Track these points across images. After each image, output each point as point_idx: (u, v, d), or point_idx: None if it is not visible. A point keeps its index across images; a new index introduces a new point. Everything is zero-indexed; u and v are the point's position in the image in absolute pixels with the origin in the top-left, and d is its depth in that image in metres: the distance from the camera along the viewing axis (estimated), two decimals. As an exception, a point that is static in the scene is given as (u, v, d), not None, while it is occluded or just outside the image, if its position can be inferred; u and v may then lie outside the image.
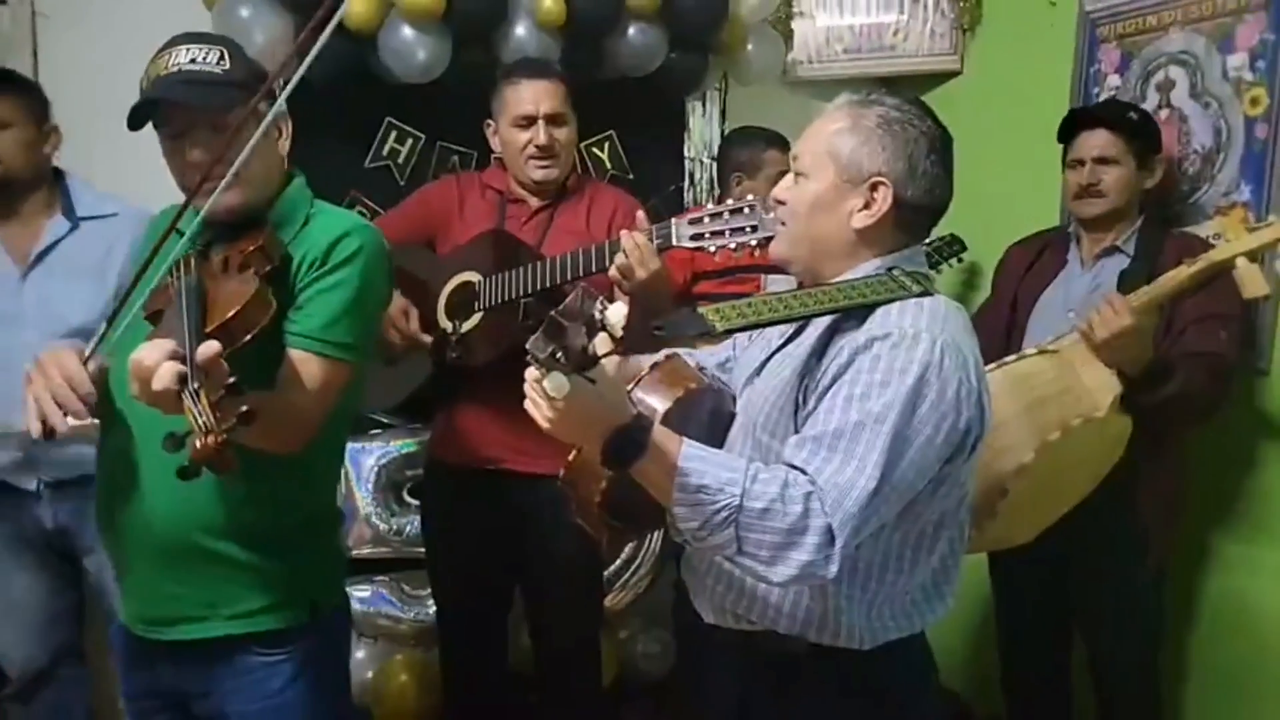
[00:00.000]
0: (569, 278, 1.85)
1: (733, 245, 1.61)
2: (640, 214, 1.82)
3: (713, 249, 1.64)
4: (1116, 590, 2.04)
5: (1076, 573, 2.07)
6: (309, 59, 1.19)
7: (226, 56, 1.36)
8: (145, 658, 1.43)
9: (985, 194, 2.58)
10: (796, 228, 1.24)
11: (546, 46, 2.32)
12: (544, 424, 1.05)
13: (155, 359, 1.10)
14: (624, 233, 1.76)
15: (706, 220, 1.64)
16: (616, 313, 0.95)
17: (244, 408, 1.07)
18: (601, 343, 0.95)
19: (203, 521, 1.34)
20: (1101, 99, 2.40)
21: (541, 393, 1.01)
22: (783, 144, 2.46)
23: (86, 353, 1.27)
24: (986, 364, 1.71)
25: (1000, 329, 2.13)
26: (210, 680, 1.40)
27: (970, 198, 2.36)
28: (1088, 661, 2.14)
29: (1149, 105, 2.27)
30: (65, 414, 1.21)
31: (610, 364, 1.03)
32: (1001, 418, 1.63)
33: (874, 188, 1.19)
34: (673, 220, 1.71)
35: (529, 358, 0.95)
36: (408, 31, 2.26)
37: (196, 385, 1.07)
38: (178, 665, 1.40)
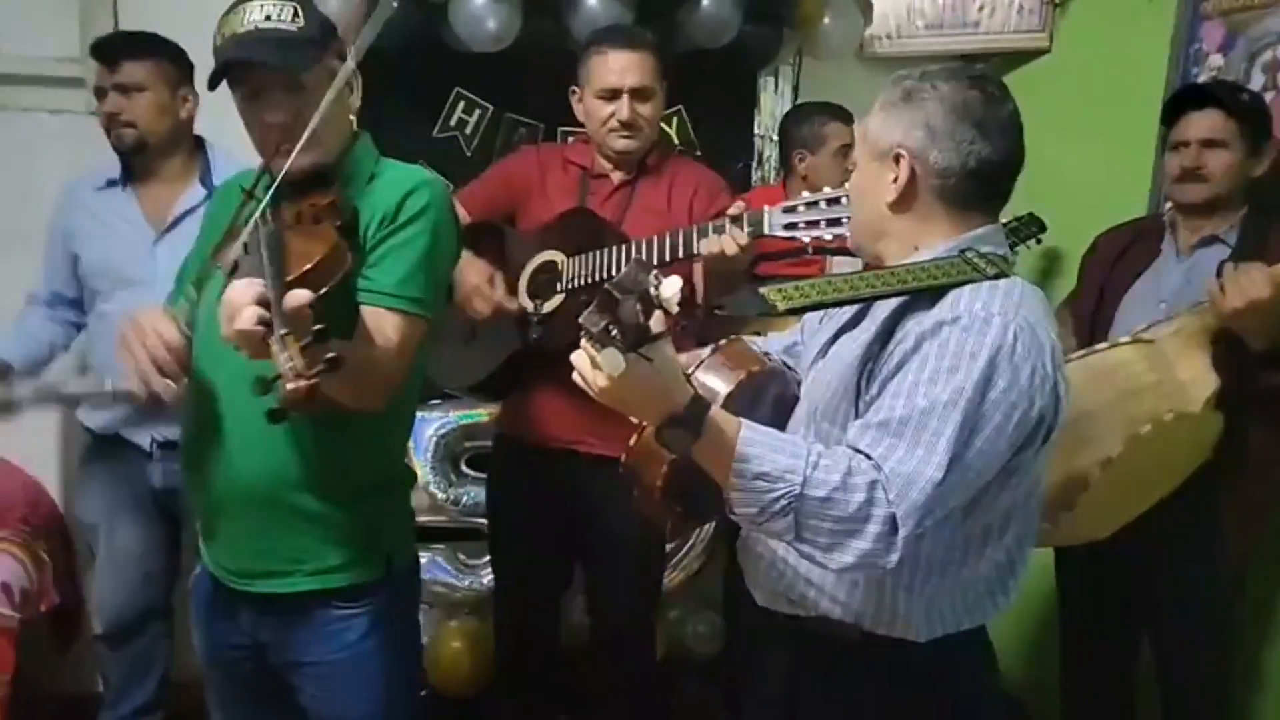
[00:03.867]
0: (655, 263, 1.82)
1: (829, 236, 1.58)
2: (739, 204, 1.77)
3: (806, 239, 1.62)
4: (1189, 596, 1.96)
5: (1148, 575, 1.99)
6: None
7: (300, 13, 1.34)
8: (229, 607, 1.46)
9: (1072, 178, 2.48)
10: (854, 215, 1.29)
11: (618, 16, 2.28)
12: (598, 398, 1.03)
13: (245, 299, 1.11)
14: (725, 236, 1.71)
15: (801, 209, 1.62)
16: (670, 286, 0.92)
17: (331, 354, 1.08)
18: (658, 320, 0.92)
19: (287, 477, 1.36)
20: (1201, 80, 2.27)
21: (591, 370, 0.99)
22: (845, 116, 2.39)
23: (175, 313, 1.28)
24: (1073, 353, 1.67)
25: (1085, 320, 2.04)
26: (287, 631, 1.43)
27: (1055, 181, 2.28)
28: (1155, 668, 2.06)
29: (1253, 87, 2.13)
30: (165, 377, 1.23)
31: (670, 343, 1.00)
32: (1088, 408, 1.59)
33: (895, 160, 1.17)
34: (765, 208, 1.69)
35: (582, 333, 0.93)
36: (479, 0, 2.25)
37: (285, 331, 1.08)
38: (258, 616, 1.44)
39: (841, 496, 1.02)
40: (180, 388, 1.26)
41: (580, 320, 0.92)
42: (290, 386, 1.04)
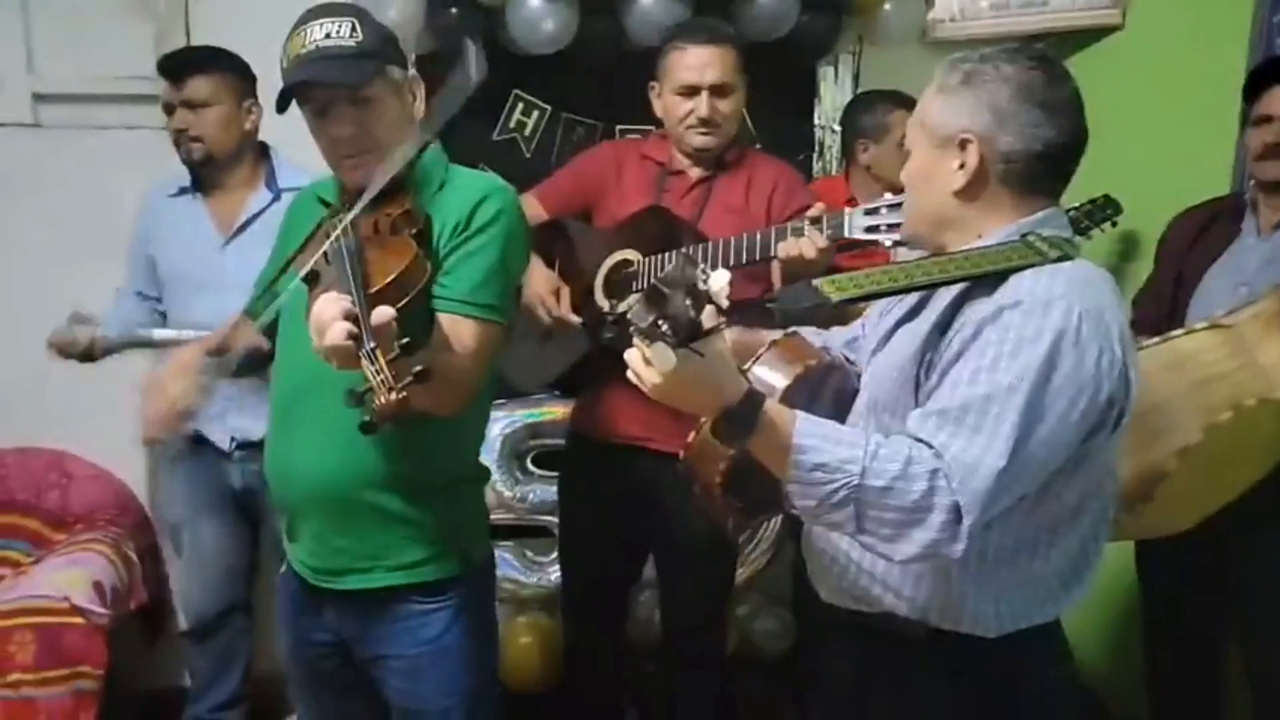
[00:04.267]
0: (730, 265, 1.80)
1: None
2: (819, 205, 1.75)
3: (888, 242, 1.60)
4: (1274, 588, 1.88)
5: (1233, 569, 1.92)
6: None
7: (358, 27, 1.38)
8: (313, 604, 1.50)
9: (1148, 158, 2.39)
10: (911, 204, 1.24)
11: (674, 13, 2.28)
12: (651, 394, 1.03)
13: (332, 313, 1.15)
14: (804, 239, 1.69)
15: (884, 211, 1.60)
16: (719, 280, 0.91)
17: (419, 366, 1.11)
18: (710, 315, 0.91)
19: (368, 477, 1.40)
20: (1284, 52, 2.17)
21: (644, 366, 0.99)
22: (909, 104, 2.33)
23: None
24: (1147, 338, 1.62)
25: (1161, 306, 1.98)
26: (369, 627, 1.47)
27: (1132, 162, 2.20)
28: (1244, 667, 1.98)
29: (1339, 58, 2.04)
30: (162, 430, 1.46)
31: (727, 335, 1.00)
32: (1163, 396, 1.55)
33: (962, 145, 1.14)
34: (846, 210, 1.67)
35: (631, 328, 0.92)
36: (535, 1, 2.26)
37: (373, 345, 1.12)
38: (341, 612, 1.48)
39: (902, 486, 1.00)
40: (177, 434, 1.52)
41: (628, 316, 0.92)
42: (382, 400, 1.08)
